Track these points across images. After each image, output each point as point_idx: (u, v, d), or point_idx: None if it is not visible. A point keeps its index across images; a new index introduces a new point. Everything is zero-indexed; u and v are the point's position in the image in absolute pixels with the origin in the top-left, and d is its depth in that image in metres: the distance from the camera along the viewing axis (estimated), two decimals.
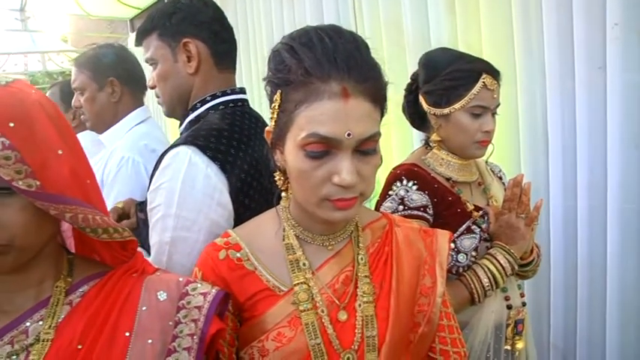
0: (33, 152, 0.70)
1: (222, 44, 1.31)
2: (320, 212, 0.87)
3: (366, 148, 0.83)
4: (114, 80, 1.89)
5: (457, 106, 1.35)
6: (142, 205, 1.29)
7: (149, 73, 1.39)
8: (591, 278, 1.96)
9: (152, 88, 1.36)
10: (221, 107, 1.27)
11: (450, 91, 1.36)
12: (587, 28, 1.85)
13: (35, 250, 0.77)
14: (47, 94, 2.37)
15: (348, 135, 0.80)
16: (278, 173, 0.95)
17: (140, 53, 1.58)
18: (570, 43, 1.92)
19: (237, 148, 1.17)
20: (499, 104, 1.40)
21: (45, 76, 7.41)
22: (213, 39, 1.29)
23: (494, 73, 1.37)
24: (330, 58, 0.81)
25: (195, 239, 1.09)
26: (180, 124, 1.34)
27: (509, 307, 1.37)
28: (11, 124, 0.69)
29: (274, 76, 0.87)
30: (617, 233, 1.84)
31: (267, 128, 0.93)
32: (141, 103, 1.97)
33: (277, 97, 0.86)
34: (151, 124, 1.93)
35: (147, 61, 1.34)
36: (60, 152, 0.75)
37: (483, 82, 1.34)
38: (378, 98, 0.84)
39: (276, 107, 0.86)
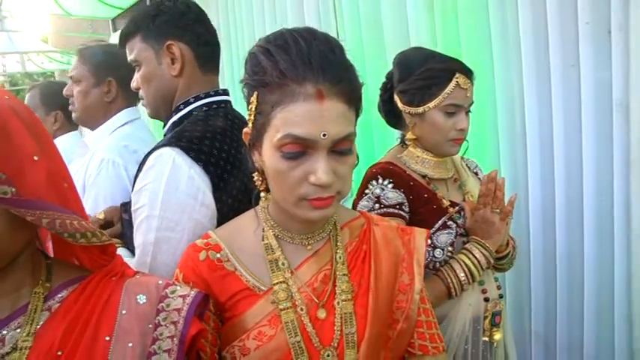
0: (7, 159, 0.71)
1: (205, 46, 1.33)
2: (298, 212, 0.89)
3: (342, 148, 0.86)
4: (112, 81, 1.89)
5: (431, 104, 1.38)
6: (126, 206, 1.30)
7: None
8: (570, 267, 2.02)
9: (136, 89, 1.37)
10: (204, 109, 1.29)
11: (423, 91, 1.38)
12: (561, 27, 1.90)
13: (11, 257, 0.77)
14: (27, 97, 2.36)
15: (324, 135, 0.82)
16: (256, 174, 0.97)
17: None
18: (545, 42, 1.96)
19: (220, 149, 1.19)
20: (472, 102, 1.43)
21: (25, 77, 7.32)
22: (196, 41, 1.31)
23: (467, 73, 1.40)
24: (304, 60, 0.83)
25: (178, 239, 1.11)
26: (164, 126, 1.35)
27: (486, 300, 1.40)
28: None
29: (250, 78, 0.89)
30: (593, 224, 1.90)
31: (244, 130, 0.95)
32: (133, 105, 1.97)
33: (254, 98, 0.88)
34: (137, 126, 1.92)
35: (131, 63, 1.35)
36: (36, 158, 0.75)
37: (457, 81, 1.37)
38: (352, 99, 0.87)
39: (253, 109, 0.88)
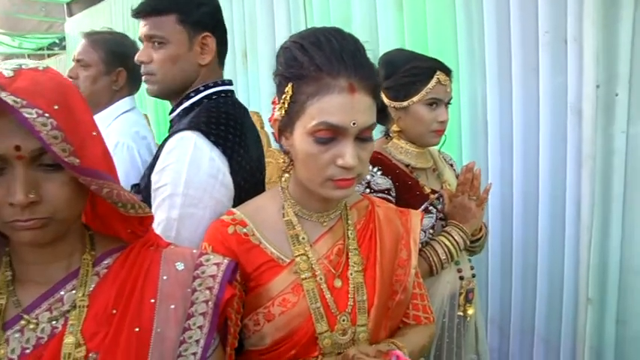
0: (74, 133, 0.76)
1: (225, 44, 1.41)
2: (322, 191, 1.00)
3: (365, 136, 0.97)
4: (122, 71, 1.92)
5: (415, 99, 1.51)
6: (137, 187, 1.34)
7: (141, 49, 1.40)
8: (524, 256, 2.21)
9: (144, 63, 1.37)
10: (214, 97, 1.35)
11: (408, 86, 1.52)
12: (522, 34, 2.07)
13: (70, 224, 0.83)
14: None
15: (353, 124, 0.94)
16: (282, 156, 1.06)
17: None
18: (508, 46, 2.13)
19: (234, 135, 1.26)
20: (452, 98, 1.58)
21: None
22: (221, 38, 1.39)
23: (447, 71, 1.56)
24: (338, 56, 0.94)
25: (201, 216, 1.17)
26: (172, 110, 1.40)
27: (461, 278, 1.55)
28: (56, 107, 0.74)
29: (286, 70, 0.99)
30: (547, 216, 2.09)
31: (274, 116, 1.03)
32: (130, 94, 2.00)
33: (289, 89, 0.98)
34: (138, 114, 1.97)
35: (150, 38, 1.35)
36: (94, 134, 0.81)
37: (437, 78, 1.51)
38: (376, 94, 0.99)
39: (287, 98, 0.98)
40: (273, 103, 1.06)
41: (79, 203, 0.82)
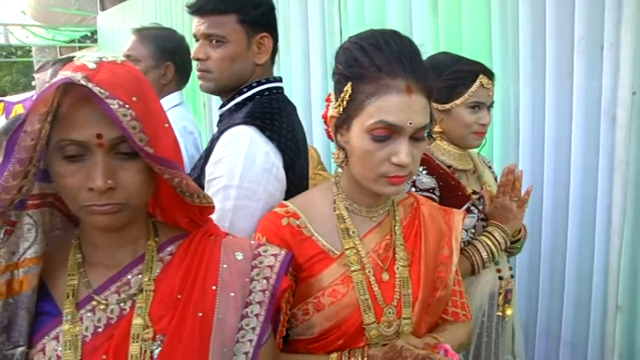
0: (149, 124, 0.79)
1: (277, 43, 1.45)
2: (375, 187, 1.04)
3: (419, 136, 1.02)
4: (170, 65, 1.97)
5: (458, 101, 1.54)
6: None
7: (197, 47, 1.41)
8: (552, 259, 2.21)
9: (200, 60, 1.39)
10: (266, 93, 1.39)
11: (451, 89, 1.55)
12: (558, 37, 2.08)
13: (139, 211, 0.87)
14: (49, 72, 2.38)
15: (410, 124, 0.98)
16: (337, 152, 1.10)
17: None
18: (543, 50, 2.14)
19: (287, 130, 1.31)
20: (494, 101, 1.60)
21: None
22: (276, 38, 1.43)
23: (490, 74, 1.58)
24: (397, 58, 0.99)
25: (254, 208, 1.21)
26: (222, 105, 1.44)
27: (500, 278, 1.57)
28: (134, 99, 0.78)
29: (346, 70, 1.03)
30: (577, 220, 2.09)
31: (331, 113, 1.07)
32: (179, 89, 2.05)
33: (348, 88, 1.02)
34: (186, 109, 2.03)
35: (209, 36, 1.37)
36: (166, 125, 0.85)
37: (480, 81, 1.54)
38: (430, 95, 1.03)
39: (346, 97, 1.02)
40: (327, 100, 1.10)
41: (149, 191, 0.86)
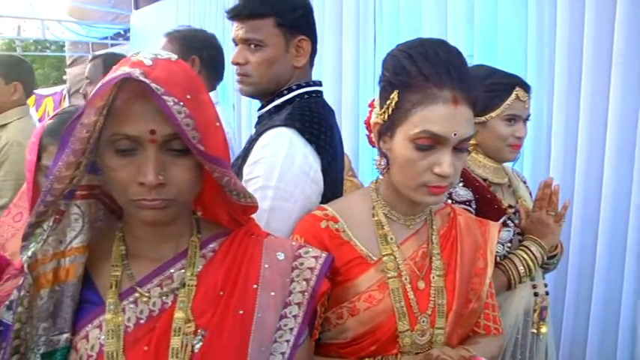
0: (201, 122, 0.81)
1: (316, 46, 1.46)
2: (415, 195, 1.04)
3: (462, 147, 1.02)
4: (195, 59, 1.99)
5: (493, 114, 1.53)
6: None
7: (236, 51, 1.42)
8: (580, 281, 2.16)
9: (239, 64, 1.40)
10: (305, 96, 1.40)
11: (487, 102, 1.54)
12: (595, 53, 2.05)
13: (185, 207, 0.89)
14: (89, 66, 2.44)
15: (454, 135, 0.99)
16: (378, 158, 1.11)
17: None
18: (579, 64, 2.11)
19: (325, 134, 1.32)
20: (530, 114, 1.59)
21: (31, 44, 7.26)
22: (314, 40, 1.44)
23: (526, 87, 1.57)
24: (445, 68, 0.99)
25: (291, 210, 1.22)
26: (261, 107, 1.45)
27: (535, 295, 1.55)
28: (188, 96, 0.79)
29: (393, 77, 1.04)
30: (607, 243, 2.04)
31: (375, 119, 1.08)
32: (213, 89, 2.07)
33: (394, 96, 1.03)
34: (222, 109, 2.05)
35: (247, 41, 1.38)
36: (217, 124, 0.86)
37: (516, 94, 1.53)
38: (475, 107, 1.03)
39: (392, 104, 1.03)
40: (371, 106, 1.11)
41: (197, 188, 0.87)
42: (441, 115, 0.98)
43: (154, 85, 0.76)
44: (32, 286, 0.81)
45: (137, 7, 5.59)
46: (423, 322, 1.07)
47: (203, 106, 0.83)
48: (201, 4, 4.38)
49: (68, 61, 7.32)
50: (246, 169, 1.27)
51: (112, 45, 6.11)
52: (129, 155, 0.80)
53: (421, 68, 1.00)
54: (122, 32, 6.05)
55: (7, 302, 0.85)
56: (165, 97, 0.76)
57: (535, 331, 1.53)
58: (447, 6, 2.55)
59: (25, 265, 0.81)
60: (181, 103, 0.78)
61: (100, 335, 0.84)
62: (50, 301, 0.83)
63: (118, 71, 0.78)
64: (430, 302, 1.09)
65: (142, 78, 0.76)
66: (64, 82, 7.87)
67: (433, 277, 1.11)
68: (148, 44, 5.09)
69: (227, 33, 4.06)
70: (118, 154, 0.80)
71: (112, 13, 5.91)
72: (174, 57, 0.85)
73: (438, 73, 0.99)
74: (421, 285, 1.10)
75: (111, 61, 2.36)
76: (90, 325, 0.85)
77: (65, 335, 0.84)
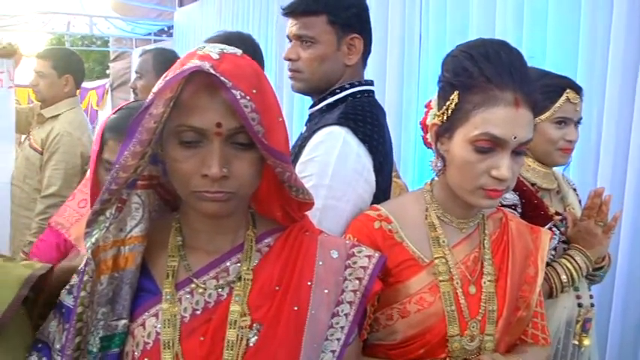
0: (265, 116, 0.81)
1: (370, 45, 1.46)
2: (471, 198, 1.03)
3: (521, 150, 1.00)
4: None
5: (543, 117, 1.50)
6: None
7: (288, 47, 1.44)
8: (627, 293, 2.08)
9: (291, 60, 1.42)
10: (358, 95, 1.40)
11: (538, 104, 1.50)
12: None
13: (245, 201, 0.89)
14: (139, 61, 2.49)
15: (514, 138, 0.97)
16: (435, 159, 1.10)
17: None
18: (635, 71, 2.04)
19: (378, 134, 1.32)
20: (581, 117, 1.55)
21: (79, 40, 7.47)
22: (368, 39, 1.44)
23: (577, 89, 1.54)
24: (507, 70, 0.98)
25: (343, 209, 1.22)
26: (313, 105, 1.46)
27: (579, 306, 1.51)
28: (254, 91, 0.80)
29: (454, 78, 1.03)
30: None
31: (433, 120, 1.07)
32: None
33: (454, 97, 1.01)
34: None
35: (299, 37, 1.40)
36: (280, 119, 0.86)
37: (567, 96, 1.50)
38: (535, 110, 1.02)
39: (452, 105, 1.02)
40: (427, 107, 1.09)
41: (257, 183, 0.88)
42: (502, 117, 0.97)
43: (223, 79, 0.76)
44: (94, 272, 0.84)
45: (181, 5, 5.70)
46: (473, 327, 1.06)
47: (268, 101, 0.83)
48: (244, 1, 4.42)
49: (112, 56, 7.52)
50: (298, 167, 1.27)
51: (155, 41, 6.24)
52: (193, 147, 0.81)
53: (483, 69, 0.98)
54: (166, 29, 6.18)
55: (67, 287, 0.87)
56: (233, 91, 0.77)
57: (577, 342, 1.49)
58: (495, 6, 2.51)
59: (88, 252, 0.83)
60: (248, 97, 0.78)
61: (156, 324, 0.85)
62: (109, 287, 0.85)
63: (188, 64, 0.79)
64: (481, 308, 1.07)
65: (211, 71, 0.76)
66: (107, 76, 8.09)
67: (484, 283, 1.09)
68: (190, 41, 5.18)
69: (270, 29, 4.12)
70: (182, 145, 0.81)
71: (157, 9, 6.04)
72: (240, 52, 0.86)
73: (499, 74, 0.98)
74: (472, 290, 1.08)
75: (160, 56, 2.41)
76: (147, 314, 0.86)
77: (123, 321, 0.86)
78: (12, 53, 2.91)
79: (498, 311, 1.08)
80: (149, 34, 6.42)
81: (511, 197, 1.46)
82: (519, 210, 1.45)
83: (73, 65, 2.81)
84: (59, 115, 2.73)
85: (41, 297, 0.91)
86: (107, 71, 8.48)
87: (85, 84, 7.98)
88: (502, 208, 1.28)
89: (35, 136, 2.75)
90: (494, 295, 1.09)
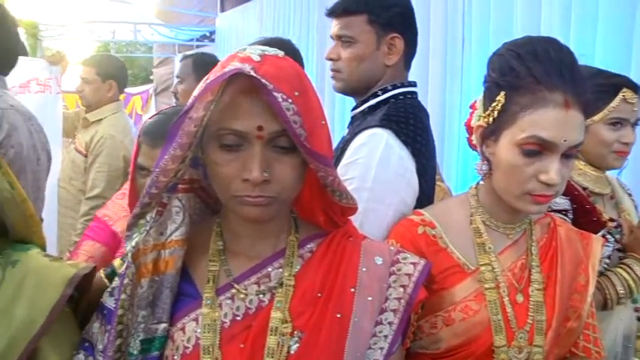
0: (308, 119, 0.79)
1: (414, 47, 1.43)
2: (518, 203, 0.99)
3: (571, 153, 0.95)
4: None
5: (596, 118, 1.43)
6: None
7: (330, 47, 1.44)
8: None
9: (332, 60, 1.42)
10: (400, 97, 1.37)
11: (589, 104, 1.43)
12: None
13: (286, 205, 0.88)
14: (180, 65, 2.53)
15: (564, 141, 0.92)
16: (480, 163, 1.06)
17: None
18: None
19: (421, 136, 1.29)
20: (639, 118, 1.47)
21: (123, 47, 7.69)
22: (411, 40, 1.41)
23: (634, 88, 1.45)
24: (556, 69, 0.93)
25: (384, 213, 1.20)
26: (355, 107, 1.44)
27: (638, 319, 1.44)
28: (296, 93, 0.78)
29: (500, 78, 0.98)
30: None
31: (478, 122, 1.03)
32: None
33: (501, 97, 0.97)
34: None
35: (339, 37, 1.40)
36: (323, 122, 0.84)
37: (623, 95, 1.42)
38: (586, 111, 0.96)
39: (498, 107, 0.98)
40: (472, 108, 1.06)
41: (299, 187, 0.86)
42: (551, 119, 0.92)
43: (264, 81, 0.75)
44: (134, 275, 0.84)
45: (223, 10, 5.78)
46: (521, 338, 1.01)
47: (310, 104, 0.81)
48: (286, 6, 4.44)
49: (155, 62, 7.70)
50: (340, 170, 1.25)
51: (198, 46, 6.35)
52: (234, 150, 0.79)
53: (531, 69, 0.94)
54: (208, 34, 6.28)
55: (109, 289, 0.88)
56: (275, 94, 0.75)
57: (637, 359, 1.41)
58: (540, 5, 2.43)
59: (129, 255, 0.83)
60: (290, 100, 0.76)
61: (196, 328, 0.84)
62: (150, 291, 0.85)
63: (228, 66, 0.78)
64: (529, 317, 1.03)
65: (252, 73, 0.75)
66: (151, 81, 8.29)
67: (532, 291, 1.04)
68: (232, 45, 5.23)
69: (311, 32, 4.12)
70: (223, 148, 0.80)
71: (199, 15, 6.14)
72: (282, 53, 0.85)
73: (548, 74, 0.93)
74: (519, 298, 1.04)
75: (200, 60, 2.43)
76: (187, 318, 0.86)
77: (163, 325, 0.85)
78: (59, 61, 3.01)
79: (547, 321, 1.03)
80: (191, 39, 6.55)
81: (562, 202, 1.39)
82: (570, 216, 1.39)
83: (116, 71, 2.89)
84: (103, 119, 2.81)
85: (86, 296, 0.92)
86: (151, 77, 8.69)
87: (130, 89, 8.20)
88: (551, 213, 1.23)
89: (80, 140, 2.84)
90: (542, 304, 1.04)
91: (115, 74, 2.88)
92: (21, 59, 2.30)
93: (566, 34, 2.33)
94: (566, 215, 1.38)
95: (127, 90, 7.86)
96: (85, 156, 2.75)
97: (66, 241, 2.71)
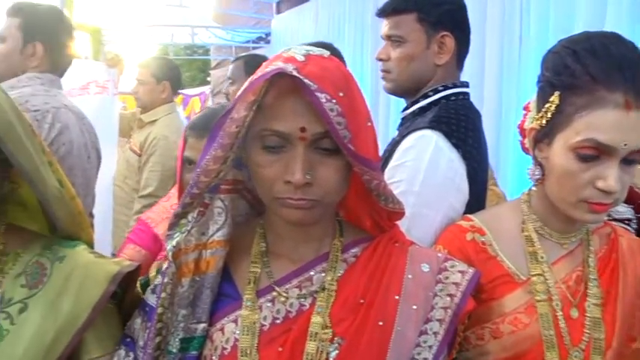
0: (353, 121, 0.77)
1: (466, 46, 1.39)
2: (573, 212, 0.92)
3: (633, 158, 0.88)
4: None
5: None
6: None
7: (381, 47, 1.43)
8: None
9: (382, 60, 1.40)
10: (452, 98, 1.33)
11: None
12: None
13: (330, 208, 0.86)
14: (231, 67, 2.57)
15: (624, 145, 0.85)
16: (533, 167, 1.00)
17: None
18: None
19: (473, 138, 1.24)
20: None
21: (181, 49, 7.91)
22: (463, 39, 1.37)
23: None
24: (616, 67, 0.85)
25: (433, 218, 1.16)
26: (405, 108, 1.41)
27: None
28: (341, 94, 0.76)
29: (554, 77, 0.92)
30: None
31: (531, 125, 0.97)
32: None
33: (555, 98, 0.91)
34: None
35: (389, 37, 1.38)
36: (369, 124, 0.82)
37: None
38: None
39: (551, 108, 0.91)
40: (526, 109, 1.00)
41: (343, 190, 0.84)
42: (610, 121, 0.85)
43: (306, 81, 0.73)
44: (175, 274, 0.84)
45: (278, 12, 5.84)
46: (576, 357, 0.94)
47: (355, 105, 0.79)
48: (341, 8, 4.43)
49: (212, 64, 7.87)
50: (387, 173, 1.22)
51: (254, 48, 6.46)
52: (277, 152, 0.78)
53: (587, 67, 0.87)
54: (264, 36, 6.37)
55: (151, 287, 0.89)
56: (318, 94, 0.74)
57: None
58: (606, 2, 2.31)
59: (170, 254, 0.83)
60: (334, 101, 0.74)
61: (235, 330, 0.84)
62: (190, 290, 0.85)
63: (270, 66, 0.77)
64: (584, 335, 0.95)
65: (295, 73, 0.74)
66: (208, 83, 8.49)
67: (588, 306, 0.97)
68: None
69: (366, 35, 4.11)
70: (265, 150, 0.79)
71: (255, 18, 6.23)
72: (327, 53, 0.83)
73: (607, 72, 0.85)
74: (574, 313, 0.97)
75: (252, 62, 2.46)
76: (226, 319, 0.86)
77: (202, 325, 0.86)
78: (117, 63, 3.12)
79: (607, 341, 0.96)
80: (248, 41, 6.66)
81: (624, 210, 1.31)
82: (634, 225, 1.30)
83: (170, 72, 2.96)
84: (157, 119, 2.89)
85: (129, 293, 0.94)
86: (208, 79, 8.90)
87: (188, 91, 8.45)
88: (612, 222, 1.15)
89: (135, 140, 2.93)
90: (600, 321, 0.96)
91: (169, 76, 2.95)
92: (82, 62, 2.40)
93: (636, 34, 2.20)
94: (629, 225, 1.29)
95: (185, 92, 8.12)
96: (139, 155, 2.84)
97: (120, 238, 2.79)
